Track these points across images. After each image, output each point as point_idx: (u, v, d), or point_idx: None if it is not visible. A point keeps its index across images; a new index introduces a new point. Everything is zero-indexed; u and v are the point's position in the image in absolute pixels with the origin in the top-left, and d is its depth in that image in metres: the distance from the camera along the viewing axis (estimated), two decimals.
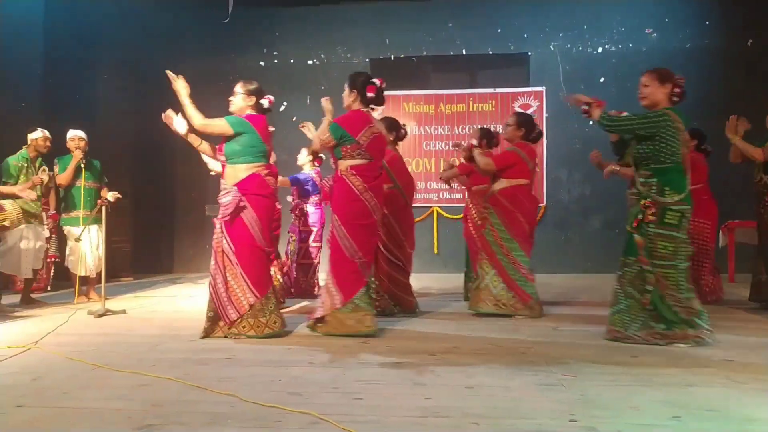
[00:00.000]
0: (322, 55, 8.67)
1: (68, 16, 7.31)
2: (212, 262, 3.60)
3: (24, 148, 5.21)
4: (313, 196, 5.69)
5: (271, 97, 3.83)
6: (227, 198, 3.54)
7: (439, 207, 8.25)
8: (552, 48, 8.25)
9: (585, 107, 3.46)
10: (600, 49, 8.20)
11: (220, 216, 3.60)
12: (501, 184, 4.33)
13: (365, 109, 3.77)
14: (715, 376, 2.64)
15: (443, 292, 5.90)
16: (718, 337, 3.34)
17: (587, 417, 2.11)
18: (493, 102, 8.26)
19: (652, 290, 3.27)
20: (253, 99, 3.71)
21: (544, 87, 8.16)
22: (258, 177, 3.60)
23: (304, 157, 5.73)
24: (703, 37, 7.98)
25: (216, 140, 3.79)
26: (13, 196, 4.84)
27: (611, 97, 7.95)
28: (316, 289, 5.54)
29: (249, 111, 3.72)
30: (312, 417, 2.12)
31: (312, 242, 5.68)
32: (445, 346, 3.34)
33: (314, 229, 5.69)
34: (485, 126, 6.36)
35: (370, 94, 3.71)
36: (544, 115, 8.06)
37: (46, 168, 5.31)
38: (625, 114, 3.43)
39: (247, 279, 3.53)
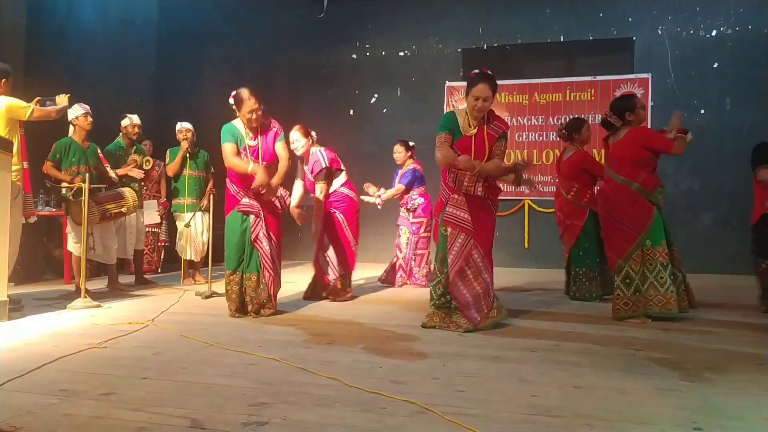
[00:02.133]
0: (414, 47, 8.65)
1: (178, 19, 7.79)
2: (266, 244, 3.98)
3: (119, 136, 5.55)
4: (418, 187, 5.72)
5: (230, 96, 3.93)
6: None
7: (531, 200, 8.00)
8: (659, 32, 7.72)
9: None
10: (714, 32, 7.56)
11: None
12: None
13: None
14: None
15: (537, 287, 5.73)
16: None
17: (713, 426, 1.95)
18: (592, 90, 7.87)
19: None
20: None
21: (649, 74, 7.67)
22: None
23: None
24: None
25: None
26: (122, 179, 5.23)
27: (726, 85, 7.38)
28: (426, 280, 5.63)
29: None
30: (417, 406, 2.11)
31: (422, 233, 5.70)
32: (546, 342, 3.23)
33: (423, 220, 5.70)
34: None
35: None
36: (650, 103, 7.56)
37: (142, 153, 5.61)
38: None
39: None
